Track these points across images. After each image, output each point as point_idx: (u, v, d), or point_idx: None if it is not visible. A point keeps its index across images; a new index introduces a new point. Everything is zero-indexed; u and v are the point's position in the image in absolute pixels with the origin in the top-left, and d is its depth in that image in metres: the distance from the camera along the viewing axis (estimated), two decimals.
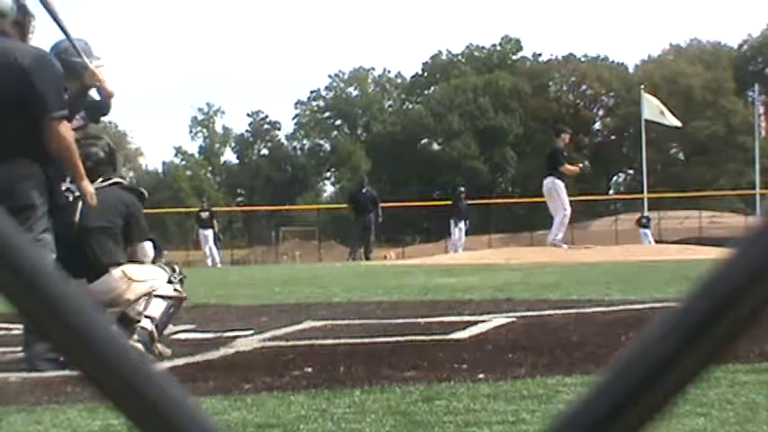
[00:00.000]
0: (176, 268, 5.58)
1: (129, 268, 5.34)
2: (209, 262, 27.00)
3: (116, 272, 5.30)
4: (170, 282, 5.41)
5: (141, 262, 5.50)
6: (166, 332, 5.51)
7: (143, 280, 5.32)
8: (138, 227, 5.60)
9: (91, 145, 5.66)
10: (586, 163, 16.99)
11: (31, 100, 5.01)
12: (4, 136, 5.00)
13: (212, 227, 28.41)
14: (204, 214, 28.95)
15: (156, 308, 5.26)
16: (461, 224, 27.00)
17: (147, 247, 5.62)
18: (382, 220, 24.08)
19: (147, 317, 5.22)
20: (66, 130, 5.13)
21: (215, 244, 28.32)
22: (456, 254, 23.14)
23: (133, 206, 5.58)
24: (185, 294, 5.53)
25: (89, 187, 5.31)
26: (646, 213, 33.57)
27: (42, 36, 5.54)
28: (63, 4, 5.75)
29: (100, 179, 5.54)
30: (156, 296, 5.29)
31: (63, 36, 5.73)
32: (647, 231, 32.23)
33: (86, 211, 5.34)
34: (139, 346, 5.05)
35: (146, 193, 5.83)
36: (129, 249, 5.51)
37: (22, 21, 5.18)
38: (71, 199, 5.34)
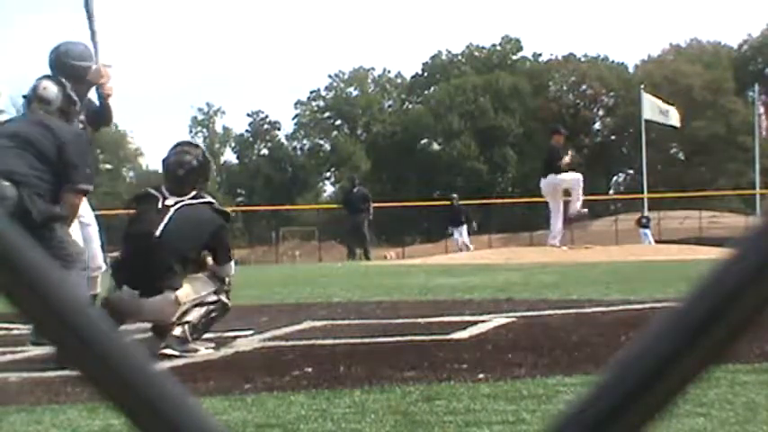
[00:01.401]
0: (226, 279, 5.57)
1: (182, 293, 5.27)
2: None
3: (171, 296, 5.22)
4: (215, 292, 5.43)
5: (222, 279, 5.53)
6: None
7: (191, 300, 5.30)
8: (223, 250, 5.57)
9: (185, 153, 5.57)
10: (572, 152, 17.38)
11: (61, 167, 5.39)
12: (27, 170, 5.33)
13: None
14: None
15: (192, 314, 5.26)
16: (462, 228, 27.19)
17: (232, 267, 5.66)
18: (382, 221, 24.19)
19: (179, 324, 5.22)
20: (80, 201, 5.66)
21: None
22: (456, 254, 23.15)
23: (221, 230, 5.52)
24: (230, 304, 5.56)
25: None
26: (646, 213, 33.63)
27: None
28: (64, 5, 5.87)
29: (193, 192, 5.46)
30: (194, 306, 5.29)
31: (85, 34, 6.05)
32: (647, 231, 32.28)
33: (170, 227, 5.27)
34: (169, 351, 5.07)
35: (232, 215, 5.82)
36: (211, 266, 5.54)
37: (66, 109, 5.60)
38: (159, 207, 5.36)
